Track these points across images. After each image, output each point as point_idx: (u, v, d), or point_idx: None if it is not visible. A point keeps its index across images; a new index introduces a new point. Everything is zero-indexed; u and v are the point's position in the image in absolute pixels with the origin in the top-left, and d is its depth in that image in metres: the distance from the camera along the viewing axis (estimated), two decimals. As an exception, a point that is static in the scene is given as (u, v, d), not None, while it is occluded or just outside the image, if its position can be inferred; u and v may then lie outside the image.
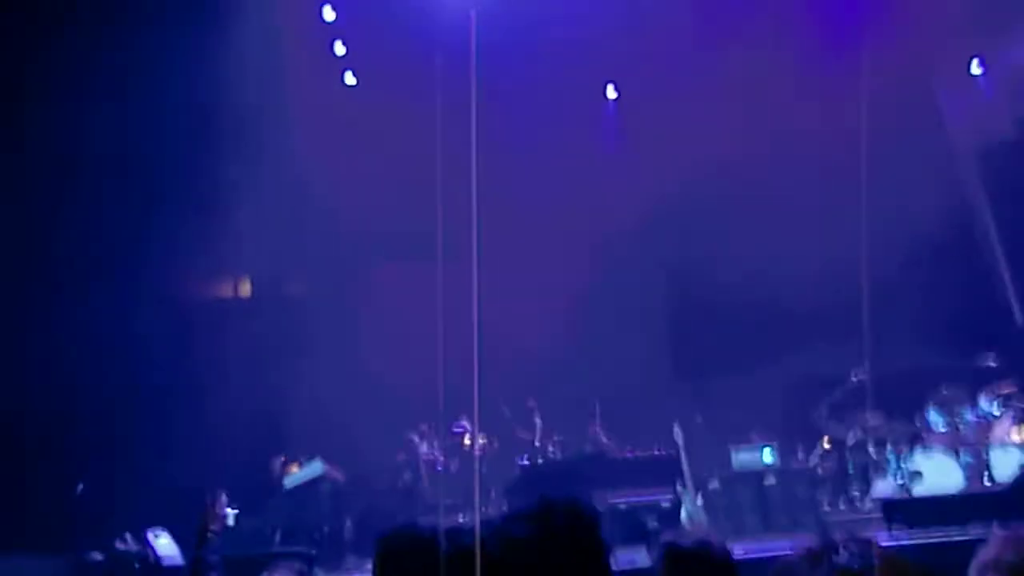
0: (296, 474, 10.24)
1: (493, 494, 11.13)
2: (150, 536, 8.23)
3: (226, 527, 3.61)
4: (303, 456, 10.61)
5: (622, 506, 8.95)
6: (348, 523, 10.38)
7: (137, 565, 7.69)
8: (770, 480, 9.66)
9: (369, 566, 3.52)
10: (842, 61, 11.23)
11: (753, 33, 11.66)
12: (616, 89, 13.37)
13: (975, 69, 13.07)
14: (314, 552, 8.19)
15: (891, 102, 11.00)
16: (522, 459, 11.05)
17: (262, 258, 12.52)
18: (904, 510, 8.57)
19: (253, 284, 13.04)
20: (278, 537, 9.51)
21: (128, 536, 8.48)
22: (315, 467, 10.32)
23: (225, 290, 13.43)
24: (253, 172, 11.96)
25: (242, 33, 11.05)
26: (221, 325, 12.13)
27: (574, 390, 11.43)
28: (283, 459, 10.77)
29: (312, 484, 10.27)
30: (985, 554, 2.04)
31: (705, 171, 12.08)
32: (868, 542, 1.57)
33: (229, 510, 3.61)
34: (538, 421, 11.55)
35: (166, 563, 7.98)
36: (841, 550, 1.54)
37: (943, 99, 13.00)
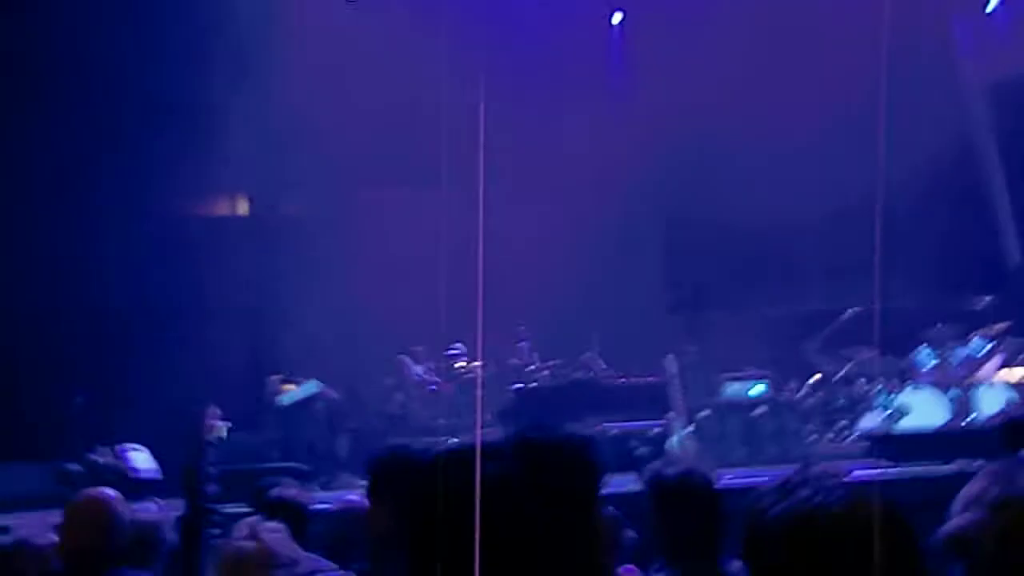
0: (292, 392, 10.35)
1: (489, 416, 11.28)
2: (125, 450, 8.35)
3: (219, 438, 3.65)
4: (300, 376, 10.71)
5: (613, 432, 9.08)
6: (342, 442, 10.54)
7: (111, 477, 7.79)
8: (760, 411, 9.78)
9: (362, 484, 3.60)
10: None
11: None
12: (623, 14, 13.08)
13: (991, 4, 12.80)
14: (307, 468, 8.33)
15: (906, 36, 10.80)
16: (515, 384, 11.17)
17: (259, 178, 12.44)
18: (889, 444, 8.70)
19: (251, 204, 12.96)
20: (275, 454, 9.67)
21: (103, 449, 8.60)
22: (310, 386, 10.44)
23: (222, 209, 13.36)
24: (251, 90, 11.81)
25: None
26: (218, 244, 12.11)
27: (571, 317, 11.48)
28: (279, 378, 10.88)
29: (307, 403, 10.40)
30: (970, 488, 2.05)
31: (708, 102, 11.93)
32: (835, 475, 1.55)
33: (221, 423, 3.65)
34: (525, 345, 11.62)
35: (142, 476, 8.10)
36: (807, 483, 1.53)
37: (958, 34, 12.77)
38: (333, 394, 10.83)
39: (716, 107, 12.06)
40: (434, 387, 11.50)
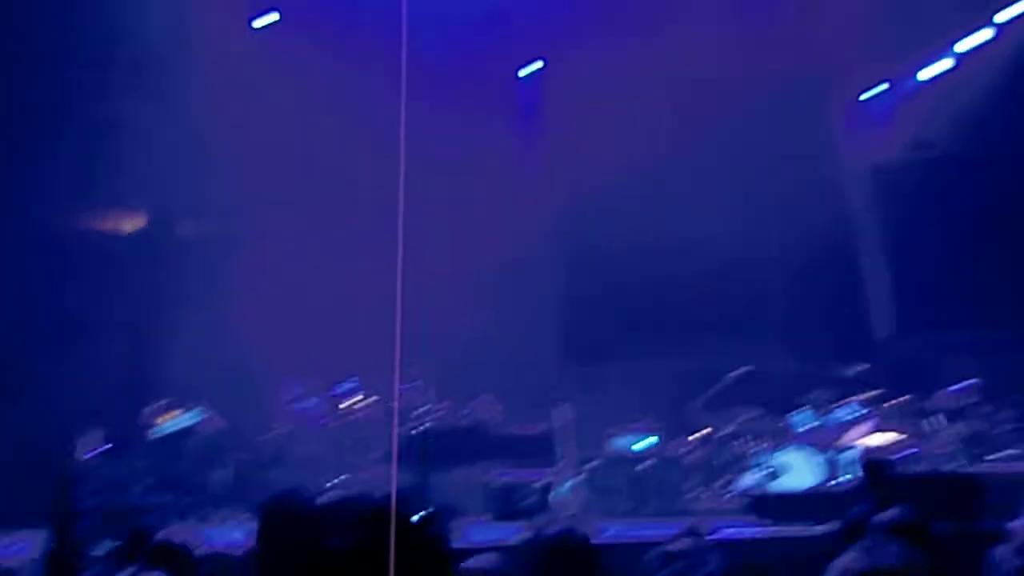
0: (173, 420, 10.00)
1: (372, 456, 11.14)
2: None
3: (91, 472, 3.49)
4: (183, 404, 10.36)
5: (501, 481, 9.11)
6: (222, 474, 10.22)
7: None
8: (646, 464, 9.99)
9: (240, 517, 3.52)
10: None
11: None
12: (543, 63, 13.36)
13: (866, 95, 13.75)
14: (184, 503, 8.03)
15: (790, 121, 11.53)
16: (403, 425, 11.08)
17: (156, 196, 12.09)
18: (766, 503, 9.02)
19: (146, 222, 12.52)
20: (149, 484, 9.29)
21: None
22: (193, 415, 10.11)
23: (113, 225, 12.88)
24: (156, 107, 11.53)
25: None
26: (106, 261, 11.67)
27: (468, 361, 11.50)
28: (161, 404, 10.50)
29: (188, 432, 10.06)
30: (842, 560, 2.21)
31: (610, 158, 12.36)
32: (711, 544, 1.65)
33: (92, 455, 3.48)
34: (418, 385, 11.55)
35: None
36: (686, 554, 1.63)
37: (837, 121, 13.65)
38: (216, 424, 10.51)
39: (618, 163, 12.49)
40: (323, 422, 11.31)
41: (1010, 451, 10.75)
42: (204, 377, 11.01)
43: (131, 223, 12.82)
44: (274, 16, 11.93)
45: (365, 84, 11.35)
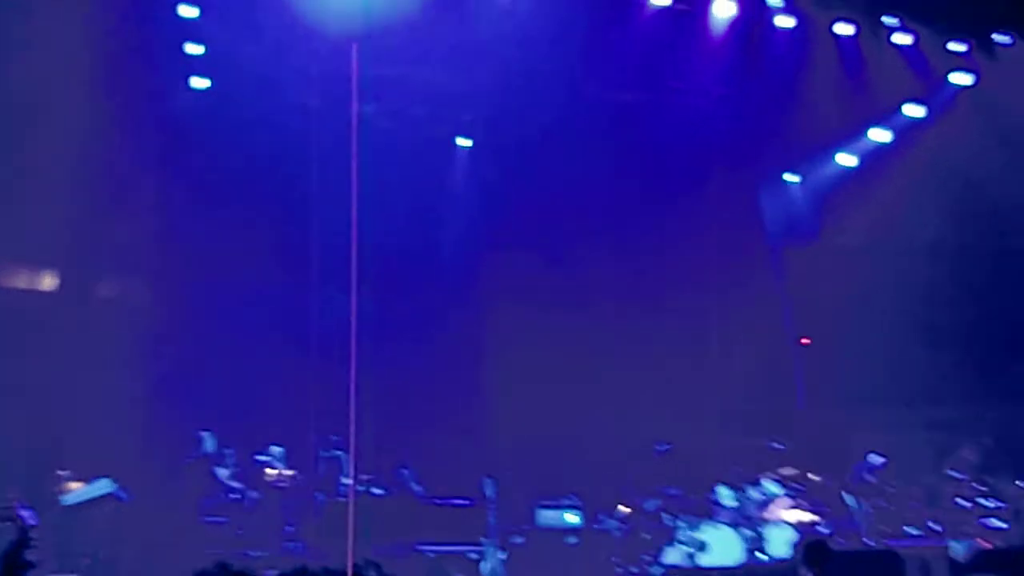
0: (80, 491, 9.45)
1: (290, 530, 10.78)
2: None
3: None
4: (90, 474, 9.83)
5: (429, 555, 8.93)
6: (127, 551, 9.68)
7: None
8: (571, 539, 9.95)
9: None
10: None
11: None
12: (473, 137, 13.57)
13: (791, 177, 14.44)
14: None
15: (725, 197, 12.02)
16: (325, 495, 10.80)
17: (72, 254, 11.65)
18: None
19: (59, 280, 11.97)
20: (49, 558, 8.71)
21: None
22: (101, 485, 9.58)
23: (21, 282, 12.31)
24: (73, 161, 11.20)
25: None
26: (12, 320, 11.13)
27: (390, 431, 11.30)
28: (66, 474, 9.95)
29: (95, 504, 9.52)
30: None
31: (542, 227, 12.65)
32: None
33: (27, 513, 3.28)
34: (340, 456, 11.26)
35: None
36: None
37: (762, 200, 14.26)
38: (124, 496, 9.99)
39: (548, 235, 12.79)
40: (238, 495, 10.87)
41: (912, 529, 11.19)
42: (112, 446, 10.52)
43: (42, 279, 12.29)
44: (207, 82, 11.78)
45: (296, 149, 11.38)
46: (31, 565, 3.14)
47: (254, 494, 10.82)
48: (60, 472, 9.81)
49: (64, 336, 11.20)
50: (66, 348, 11.08)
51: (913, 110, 13.23)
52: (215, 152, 11.25)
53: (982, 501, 11.12)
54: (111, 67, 10.69)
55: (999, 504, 11.10)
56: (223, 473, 10.84)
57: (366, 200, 6.77)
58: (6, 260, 11.75)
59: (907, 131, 13.38)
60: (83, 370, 10.92)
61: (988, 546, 9.96)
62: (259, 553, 9.64)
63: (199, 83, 11.68)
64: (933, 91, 13.07)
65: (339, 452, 11.28)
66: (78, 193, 11.19)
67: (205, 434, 10.72)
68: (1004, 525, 10.88)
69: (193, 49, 11.45)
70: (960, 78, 12.83)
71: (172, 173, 11.20)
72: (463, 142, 13.39)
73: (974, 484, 11.32)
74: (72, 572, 7.90)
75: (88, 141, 10.98)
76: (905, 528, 11.20)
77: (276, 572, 3.21)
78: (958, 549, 8.86)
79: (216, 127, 11.19)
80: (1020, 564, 8.50)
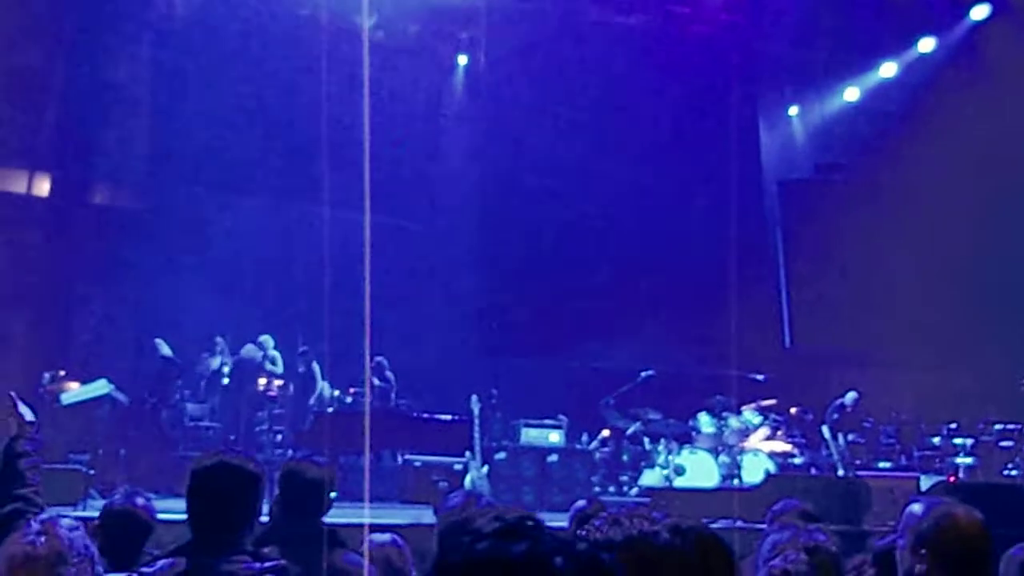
0: (77, 391, 9.70)
1: (279, 438, 11.06)
2: None
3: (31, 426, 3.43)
4: (85, 376, 10.06)
5: (416, 463, 9.23)
6: (124, 449, 9.97)
7: None
8: (552, 458, 10.25)
9: (145, 494, 3.58)
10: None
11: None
12: (469, 55, 13.48)
13: (792, 111, 14.40)
14: (92, 472, 7.86)
15: (712, 135, 12.02)
16: (314, 407, 11.06)
17: (70, 158, 11.67)
18: (664, 499, 9.38)
19: (53, 184, 12.03)
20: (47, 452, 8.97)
21: None
22: (99, 386, 9.83)
23: (16, 185, 12.35)
24: (73, 65, 11.15)
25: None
26: (4, 222, 11.22)
27: (391, 353, 11.48)
28: (61, 374, 10.16)
29: (93, 404, 9.78)
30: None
31: (539, 158, 12.62)
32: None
33: (25, 409, 3.41)
34: (316, 368, 11.39)
35: None
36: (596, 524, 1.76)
37: (762, 134, 14.24)
38: (121, 397, 10.25)
39: (544, 164, 12.77)
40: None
41: (885, 464, 11.49)
42: (109, 349, 10.73)
43: (37, 183, 12.32)
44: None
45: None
46: (27, 454, 3.28)
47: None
48: (58, 371, 10.01)
49: (63, 243, 11.33)
50: (63, 252, 11.23)
51: (927, 44, 13.11)
52: (220, 63, 11.17)
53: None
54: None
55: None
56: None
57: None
58: (5, 166, 11.78)
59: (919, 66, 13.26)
60: (80, 274, 11.09)
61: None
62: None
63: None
64: (949, 24, 12.90)
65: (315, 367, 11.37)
66: (78, 98, 11.19)
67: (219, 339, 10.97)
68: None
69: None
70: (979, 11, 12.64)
71: (174, 85, 11.14)
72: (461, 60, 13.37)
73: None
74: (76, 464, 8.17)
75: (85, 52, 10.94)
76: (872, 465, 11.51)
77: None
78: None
79: (222, 38, 11.11)
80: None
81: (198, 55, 11.19)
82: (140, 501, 3.55)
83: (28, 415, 3.38)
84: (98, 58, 11.02)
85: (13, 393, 3.45)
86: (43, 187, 12.28)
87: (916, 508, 2.65)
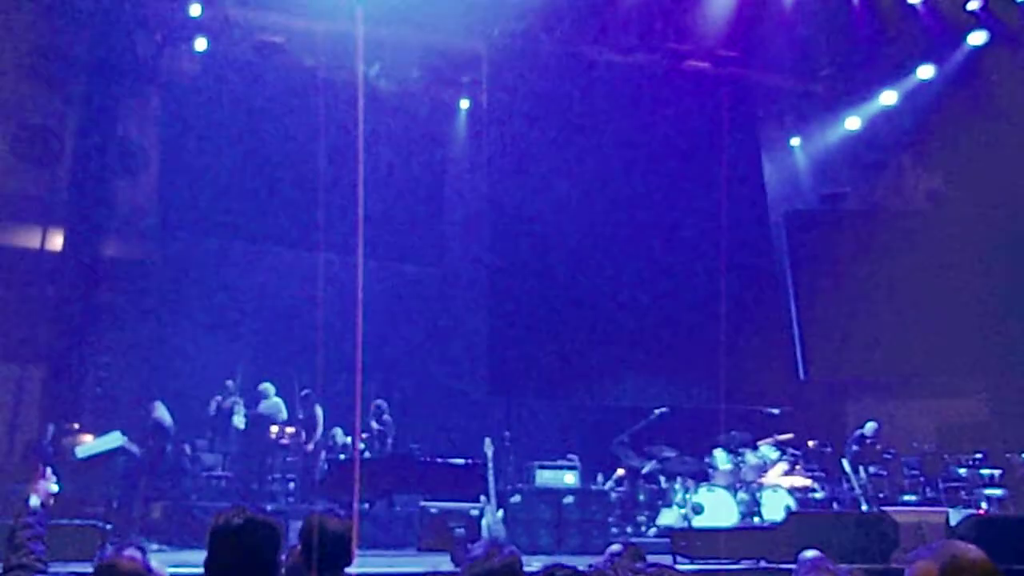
0: (92, 444, 9.65)
1: (292, 486, 10.99)
2: None
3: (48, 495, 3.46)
4: (99, 427, 10.03)
5: (433, 510, 9.11)
6: (139, 501, 9.90)
7: None
8: (568, 499, 10.10)
9: (154, 548, 3.51)
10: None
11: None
12: (472, 100, 13.62)
13: (794, 141, 14.44)
14: (108, 526, 7.75)
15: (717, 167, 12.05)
16: (328, 454, 10.98)
17: (82, 213, 11.76)
18: (684, 539, 9.21)
19: (65, 238, 12.10)
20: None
21: None
22: (112, 438, 9.78)
23: (30, 241, 12.44)
24: (84, 122, 11.29)
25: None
26: (19, 278, 11.27)
27: (400, 396, 11.44)
28: (75, 427, 10.14)
29: (107, 456, 9.72)
30: None
31: (544, 199, 12.65)
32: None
33: (51, 482, 3.46)
34: (319, 412, 11.32)
35: None
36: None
37: (765, 166, 14.27)
38: (135, 449, 10.19)
39: (554, 200, 12.79)
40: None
41: (910, 496, 11.27)
42: (118, 402, 10.68)
43: (50, 238, 12.40)
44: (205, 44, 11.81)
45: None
46: (29, 527, 3.32)
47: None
48: (71, 424, 9.99)
49: (75, 295, 11.36)
50: (72, 306, 11.25)
51: (926, 71, 13.16)
52: (220, 114, 11.31)
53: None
54: (113, 25, 10.76)
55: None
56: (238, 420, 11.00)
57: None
58: (14, 220, 11.86)
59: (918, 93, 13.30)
60: (90, 327, 11.09)
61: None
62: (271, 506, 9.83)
63: (200, 44, 11.72)
64: (948, 51, 12.96)
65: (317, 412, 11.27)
66: (88, 154, 11.30)
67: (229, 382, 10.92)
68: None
69: (194, 10, 11.49)
70: (977, 37, 12.68)
71: (176, 134, 11.27)
72: (463, 103, 13.49)
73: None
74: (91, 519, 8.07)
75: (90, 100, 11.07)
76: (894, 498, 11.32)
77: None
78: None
79: (227, 92, 11.26)
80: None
81: (204, 110, 11.32)
82: (128, 553, 3.44)
83: (35, 501, 3.43)
84: (108, 115, 11.17)
85: (49, 468, 3.53)
86: (56, 242, 12.37)
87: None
